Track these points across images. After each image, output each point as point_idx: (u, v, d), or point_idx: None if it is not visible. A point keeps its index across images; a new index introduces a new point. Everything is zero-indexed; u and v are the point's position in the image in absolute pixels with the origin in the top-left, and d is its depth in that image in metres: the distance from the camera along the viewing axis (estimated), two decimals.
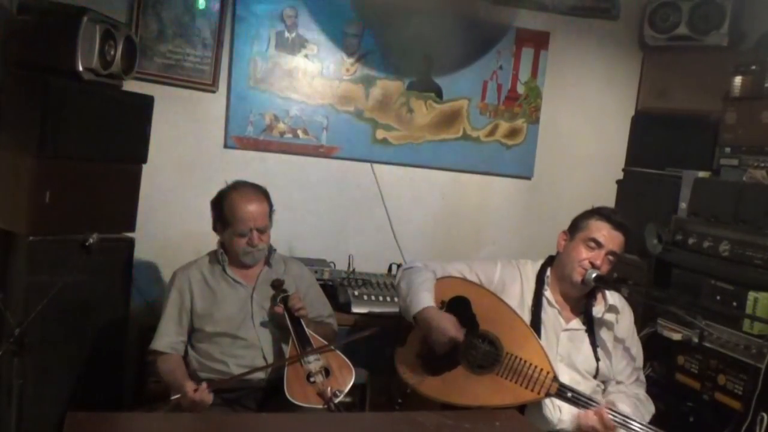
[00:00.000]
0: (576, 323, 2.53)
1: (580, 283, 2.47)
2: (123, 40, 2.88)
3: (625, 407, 2.39)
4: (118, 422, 2.03)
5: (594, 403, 2.32)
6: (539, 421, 2.40)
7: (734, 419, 2.59)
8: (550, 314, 2.52)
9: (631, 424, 2.26)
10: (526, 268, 2.62)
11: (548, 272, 2.58)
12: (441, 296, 2.55)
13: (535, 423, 2.37)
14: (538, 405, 2.40)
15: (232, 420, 2.27)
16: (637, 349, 2.59)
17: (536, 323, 2.49)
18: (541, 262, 2.63)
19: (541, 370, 2.36)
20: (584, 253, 2.48)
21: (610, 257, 2.47)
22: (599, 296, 2.57)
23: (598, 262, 2.45)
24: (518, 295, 2.56)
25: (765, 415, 2.46)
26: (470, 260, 2.70)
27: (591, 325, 2.52)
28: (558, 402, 2.39)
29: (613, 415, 2.27)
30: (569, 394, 2.33)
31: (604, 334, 2.54)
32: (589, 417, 2.29)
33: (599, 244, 2.47)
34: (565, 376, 2.42)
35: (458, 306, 2.53)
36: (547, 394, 2.34)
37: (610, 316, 2.56)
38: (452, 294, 2.56)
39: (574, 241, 2.52)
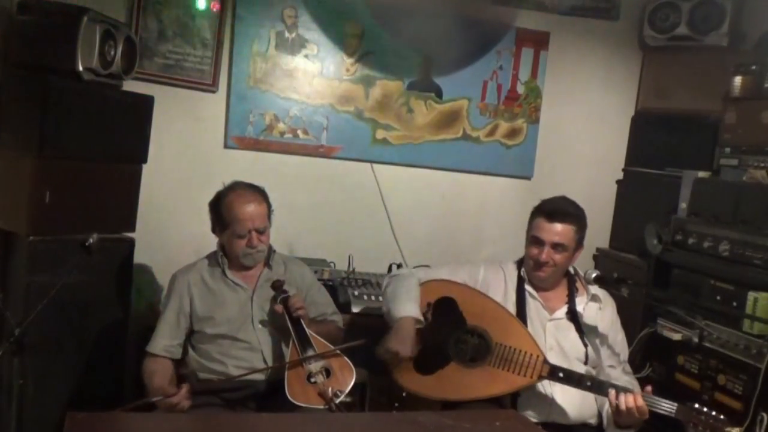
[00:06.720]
0: (560, 313, 2.59)
1: (540, 279, 2.57)
2: (123, 40, 2.88)
3: None
4: (118, 422, 2.03)
5: (585, 379, 2.36)
6: (534, 408, 2.46)
7: (734, 419, 2.59)
8: (533, 307, 2.60)
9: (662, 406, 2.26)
10: (508, 266, 2.71)
11: (524, 267, 2.66)
12: (427, 298, 2.63)
13: (530, 410, 2.45)
14: (532, 390, 2.45)
15: (232, 420, 2.27)
16: (622, 337, 2.65)
17: (522, 316, 2.56)
18: (521, 257, 2.70)
19: (531, 354, 2.42)
20: (532, 251, 2.58)
21: (558, 249, 2.54)
22: (581, 287, 2.63)
23: (542, 258, 2.53)
24: (502, 292, 2.63)
25: (765, 415, 2.46)
26: (454, 264, 2.78)
27: (575, 314, 2.58)
28: (550, 389, 2.44)
29: (648, 399, 2.27)
30: (561, 374, 2.38)
31: (589, 321, 2.59)
32: (628, 400, 2.26)
33: (539, 241, 2.56)
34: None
35: (445, 306, 2.60)
36: (540, 377, 2.40)
37: (593, 305, 2.62)
38: (438, 295, 2.63)
39: (527, 239, 2.63)
